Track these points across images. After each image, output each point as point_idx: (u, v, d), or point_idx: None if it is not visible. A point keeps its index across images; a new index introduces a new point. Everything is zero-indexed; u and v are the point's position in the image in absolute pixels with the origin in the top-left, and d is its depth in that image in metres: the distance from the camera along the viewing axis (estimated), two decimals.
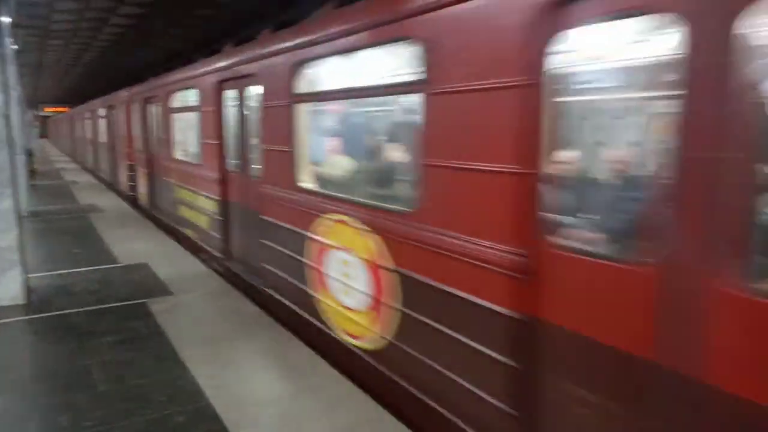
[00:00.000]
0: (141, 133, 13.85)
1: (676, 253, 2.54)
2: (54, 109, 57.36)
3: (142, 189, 14.23)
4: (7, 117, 6.50)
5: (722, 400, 2.39)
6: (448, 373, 3.88)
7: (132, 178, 15.44)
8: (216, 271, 8.36)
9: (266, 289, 6.79)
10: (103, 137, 21.17)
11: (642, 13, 2.72)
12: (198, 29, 17.65)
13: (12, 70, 13.18)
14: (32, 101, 50.14)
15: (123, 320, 6.20)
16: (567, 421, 3.12)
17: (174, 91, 10.67)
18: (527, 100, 3.10)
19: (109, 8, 14.83)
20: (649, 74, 4.09)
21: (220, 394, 4.53)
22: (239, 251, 7.92)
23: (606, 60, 4.27)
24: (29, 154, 20.06)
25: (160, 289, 7.31)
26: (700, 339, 2.47)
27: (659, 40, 3.43)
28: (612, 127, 5.08)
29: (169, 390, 4.62)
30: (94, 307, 6.63)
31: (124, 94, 16.19)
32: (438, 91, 3.78)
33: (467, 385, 3.73)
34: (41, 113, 64.55)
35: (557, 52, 2.99)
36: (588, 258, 2.96)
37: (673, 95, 2.48)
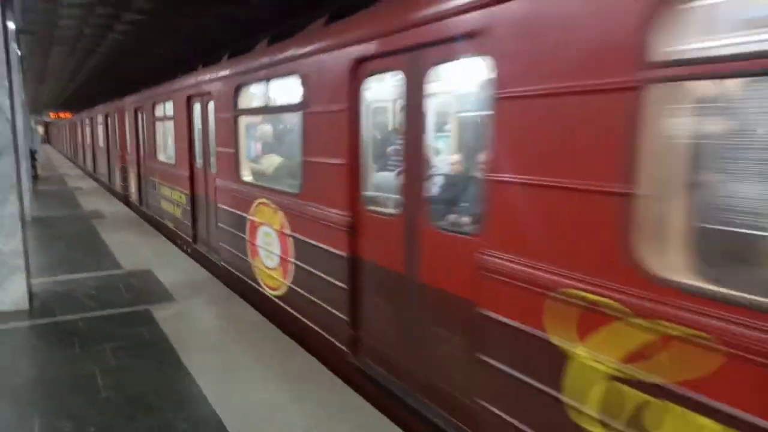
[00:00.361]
0: (131, 139, 15.70)
1: (408, 209, 4.33)
2: (58, 115, 57.60)
3: (133, 188, 16.05)
4: (11, 122, 6.51)
5: (429, 290, 4.16)
6: (318, 300, 5.64)
7: (124, 179, 17.37)
8: (186, 252, 9.84)
9: (222, 264, 8.39)
10: (99, 142, 23.44)
11: (392, 71, 4.47)
12: (199, 37, 17.80)
13: (17, 76, 13.23)
14: (36, 107, 50.33)
15: (126, 326, 6.19)
16: (371, 317, 4.92)
17: (157, 103, 12.41)
18: (351, 118, 4.89)
19: (113, 15, 14.90)
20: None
21: (223, 401, 4.52)
22: (203, 235, 9.63)
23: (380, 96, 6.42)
24: (33, 154, 20.14)
25: (162, 295, 7.31)
26: (418, 257, 4.26)
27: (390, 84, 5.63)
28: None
29: (172, 397, 4.61)
30: (97, 313, 6.63)
31: (118, 103, 18.00)
32: (309, 111, 5.55)
33: (327, 306, 5.48)
34: (45, 119, 64.89)
35: (366, 89, 4.85)
36: (378, 216, 4.74)
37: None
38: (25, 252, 6.82)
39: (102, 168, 22.66)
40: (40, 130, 61.71)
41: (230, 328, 6.17)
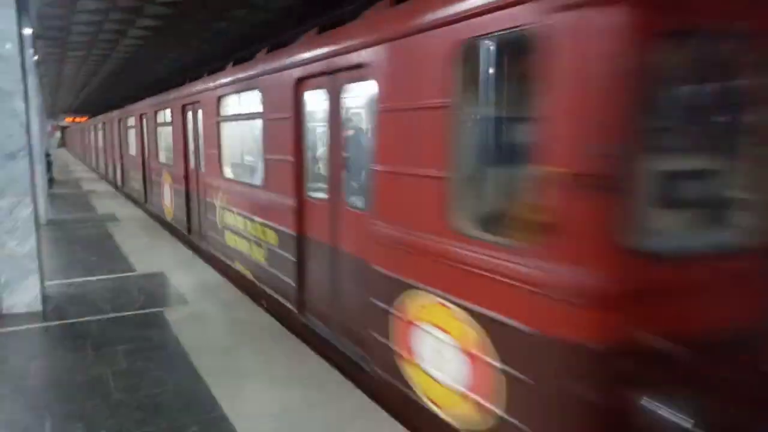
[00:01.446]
0: (123, 141, 19.65)
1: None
2: (74, 119, 58.20)
3: (119, 179, 20.96)
4: (26, 126, 6.56)
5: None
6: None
7: (120, 174, 21.08)
8: (178, 239, 11.32)
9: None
10: (101, 144, 27.45)
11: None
12: (212, 41, 17.92)
13: (32, 81, 13.36)
14: (52, 111, 50.99)
15: (138, 329, 6.20)
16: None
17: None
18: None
19: (127, 20, 15.03)
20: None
21: (235, 405, 4.50)
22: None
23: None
24: (47, 156, 20.30)
25: (175, 297, 7.33)
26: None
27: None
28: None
29: (183, 399, 4.60)
30: (110, 316, 6.65)
31: (116, 112, 21.81)
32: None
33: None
34: (61, 123, 65.58)
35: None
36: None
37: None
38: (39, 255, 6.86)
39: (105, 167, 26.24)
40: (57, 134, 62.64)
41: (242, 331, 6.16)
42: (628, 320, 2.96)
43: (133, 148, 17.74)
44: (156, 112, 14.37)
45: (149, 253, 10.00)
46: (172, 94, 12.52)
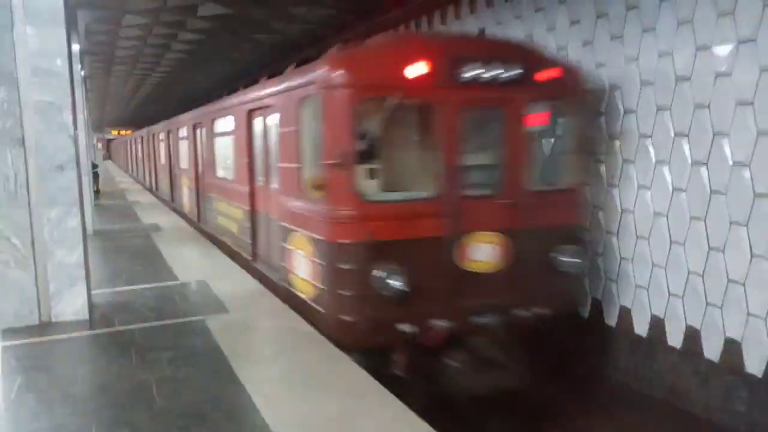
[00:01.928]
0: (152, 153, 24.94)
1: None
2: (119, 132, 59.86)
3: (151, 180, 26.22)
4: (74, 139, 6.76)
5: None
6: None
7: (154, 179, 25.42)
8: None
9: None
10: (140, 156, 31.68)
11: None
12: (253, 54, 17.97)
13: (80, 95, 13.80)
14: (98, 124, 52.48)
15: (181, 336, 6.31)
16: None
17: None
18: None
19: (170, 35, 15.44)
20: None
21: (276, 413, 4.53)
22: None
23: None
24: (94, 168, 20.88)
25: (217, 306, 7.42)
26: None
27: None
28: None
29: (225, 407, 4.65)
30: (154, 324, 6.78)
31: (144, 130, 28.37)
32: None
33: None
34: (107, 136, 67.19)
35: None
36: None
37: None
38: (86, 263, 7.05)
39: (143, 175, 30.70)
40: (100, 146, 63.83)
41: (283, 340, 6.21)
42: (364, 230, 6.17)
43: (185, 161, 17.11)
44: (175, 130, 17.91)
45: (192, 262, 10.18)
46: (188, 116, 15.83)
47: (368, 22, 13.24)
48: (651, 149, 7.41)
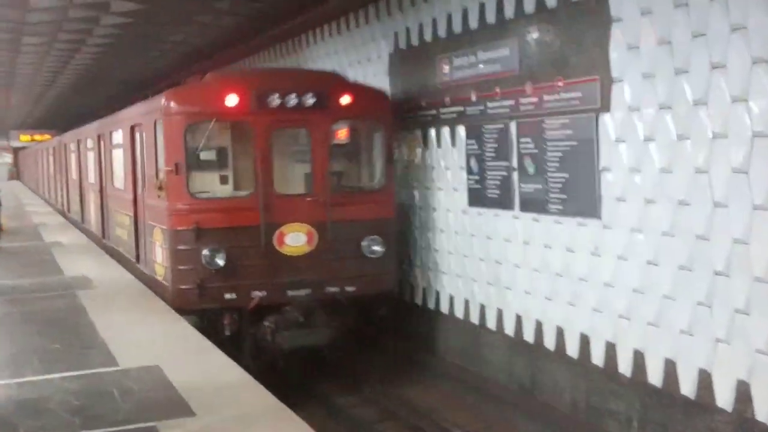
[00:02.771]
0: (63, 167, 22.68)
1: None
2: (32, 138, 45.76)
3: (63, 199, 23.36)
4: None
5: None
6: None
7: (65, 197, 22.86)
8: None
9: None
10: (51, 171, 28.11)
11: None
12: (173, 52, 17.18)
13: None
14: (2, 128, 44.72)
15: None
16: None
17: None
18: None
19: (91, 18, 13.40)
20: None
21: None
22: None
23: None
24: None
25: (175, 405, 5.02)
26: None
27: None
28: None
29: None
30: None
31: (55, 140, 27.40)
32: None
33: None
34: (13, 143, 50.41)
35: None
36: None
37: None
38: None
39: (48, 189, 30.60)
40: (8, 158, 55.36)
41: None
42: (191, 220, 8.22)
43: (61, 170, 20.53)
44: (83, 140, 17.69)
45: (139, 336, 7.20)
46: (95, 125, 16.31)
47: (272, 31, 13.98)
48: (441, 160, 9.30)
